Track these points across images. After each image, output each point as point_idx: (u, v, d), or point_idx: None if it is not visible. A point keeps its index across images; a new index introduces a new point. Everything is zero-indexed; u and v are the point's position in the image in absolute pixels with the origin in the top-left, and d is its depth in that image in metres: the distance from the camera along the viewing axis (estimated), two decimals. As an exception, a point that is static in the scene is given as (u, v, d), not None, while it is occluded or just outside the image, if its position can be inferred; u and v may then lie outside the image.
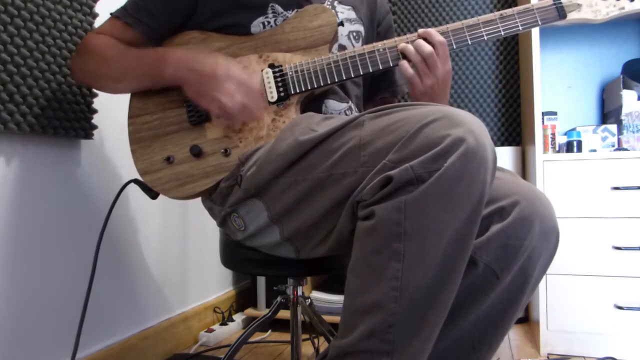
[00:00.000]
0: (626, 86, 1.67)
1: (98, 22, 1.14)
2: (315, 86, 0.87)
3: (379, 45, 0.86)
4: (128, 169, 1.20)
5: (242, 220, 0.85)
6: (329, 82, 0.87)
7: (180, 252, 1.61)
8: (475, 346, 0.75)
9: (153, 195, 0.92)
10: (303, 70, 0.87)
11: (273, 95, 0.87)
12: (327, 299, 1.70)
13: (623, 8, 0.85)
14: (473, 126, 0.62)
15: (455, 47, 0.85)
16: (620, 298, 1.46)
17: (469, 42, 0.86)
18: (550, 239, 0.75)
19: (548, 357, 1.49)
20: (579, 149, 1.62)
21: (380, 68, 0.86)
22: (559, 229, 0.77)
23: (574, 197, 1.50)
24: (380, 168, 0.63)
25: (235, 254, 0.97)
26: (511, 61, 2.01)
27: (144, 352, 1.36)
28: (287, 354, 1.52)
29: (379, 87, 1.11)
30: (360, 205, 0.65)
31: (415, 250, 0.61)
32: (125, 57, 0.90)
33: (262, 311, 1.77)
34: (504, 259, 0.72)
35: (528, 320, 1.81)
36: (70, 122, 1.09)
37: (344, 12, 0.97)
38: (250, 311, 1.79)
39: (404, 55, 0.85)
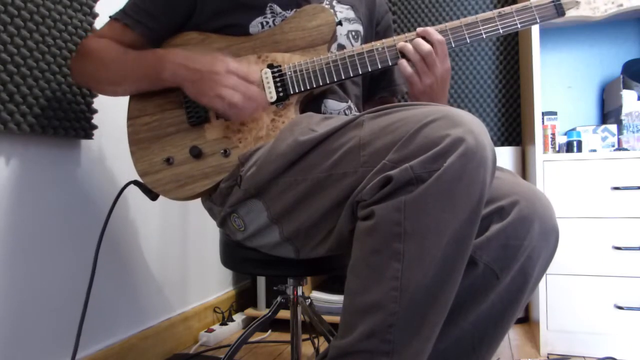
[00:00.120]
0: (626, 86, 1.67)
1: (98, 22, 1.14)
2: (315, 86, 0.87)
3: (377, 44, 0.86)
4: (128, 169, 1.20)
5: (242, 221, 0.85)
6: (328, 82, 0.87)
7: (180, 252, 1.61)
8: (475, 346, 0.75)
9: (153, 196, 0.92)
10: (302, 70, 0.87)
11: (272, 96, 0.87)
12: (327, 299, 1.70)
13: (621, 5, 0.85)
14: (473, 126, 0.62)
15: (454, 46, 0.85)
16: (620, 298, 1.46)
17: (468, 40, 0.86)
18: (550, 238, 0.75)
19: (548, 357, 1.49)
20: (579, 149, 1.62)
21: (379, 67, 0.86)
22: (559, 229, 0.77)
23: (574, 197, 1.50)
24: (380, 168, 0.63)
25: (235, 254, 0.97)
26: (511, 61, 2.00)
27: (144, 352, 1.36)
28: (287, 354, 1.52)
29: (378, 87, 1.11)
30: (360, 205, 0.65)
31: (415, 250, 0.61)
32: (123, 60, 0.90)
33: (262, 311, 1.77)
34: (503, 259, 0.72)
35: (528, 320, 1.81)
36: (70, 122, 1.09)
37: (343, 11, 0.97)
38: (250, 311, 1.79)
39: (403, 54, 0.85)
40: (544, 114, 1.66)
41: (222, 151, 0.87)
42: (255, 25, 0.91)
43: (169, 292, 1.53)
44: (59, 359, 1.09)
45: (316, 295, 1.72)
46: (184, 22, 0.93)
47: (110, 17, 0.94)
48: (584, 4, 0.86)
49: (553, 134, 1.69)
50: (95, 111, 1.16)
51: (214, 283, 1.81)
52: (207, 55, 0.85)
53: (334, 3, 0.97)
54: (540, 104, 1.55)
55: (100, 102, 1.17)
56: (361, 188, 0.65)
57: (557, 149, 1.70)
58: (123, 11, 0.93)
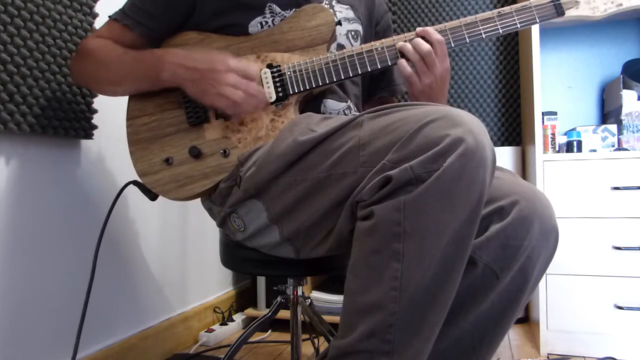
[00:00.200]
0: (626, 86, 1.67)
1: (98, 22, 1.14)
2: (314, 86, 0.87)
3: (377, 44, 0.86)
4: (128, 170, 1.20)
5: (242, 221, 0.85)
6: (327, 82, 0.87)
7: (180, 253, 1.61)
8: (475, 346, 0.75)
9: (152, 196, 0.92)
10: (301, 70, 0.87)
11: (272, 96, 0.87)
12: (327, 299, 1.70)
13: (621, 4, 0.85)
14: (472, 126, 0.62)
15: (453, 46, 0.85)
16: (620, 298, 1.46)
17: (467, 40, 0.86)
18: (549, 238, 0.75)
19: (548, 357, 1.49)
20: (579, 149, 1.62)
21: (379, 67, 0.86)
22: (559, 229, 0.77)
23: (574, 197, 1.50)
24: (379, 168, 0.63)
25: (235, 254, 0.97)
26: (511, 61, 2.00)
27: (144, 352, 1.36)
28: (287, 354, 1.52)
29: (377, 87, 1.11)
30: (360, 205, 0.65)
31: (414, 250, 0.61)
32: (123, 60, 0.90)
33: (262, 311, 1.77)
34: (503, 259, 0.72)
35: (528, 320, 1.81)
36: (70, 122, 1.09)
37: (342, 11, 0.97)
38: (250, 311, 1.79)
39: (402, 54, 0.85)
40: (544, 114, 1.66)
41: (221, 151, 0.87)
42: (254, 25, 0.91)
43: (168, 292, 1.53)
44: (59, 359, 1.09)
45: (316, 295, 1.72)
46: (183, 22, 0.93)
47: (109, 17, 0.94)
48: (584, 3, 0.86)
49: (553, 134, 1.69)
50: (95, 111, 1.16)
51: (214, 283, 1.81)
52: (206, 54, 0.85)
53: (334, 3, 0.97)
54: (540, 104, 1.55)
55: (100, 102, 1.17)
56: (361, 188, 0.65)
57: (557, 149, 1.70)
58: (122, 11, 0.93)
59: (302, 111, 0.89)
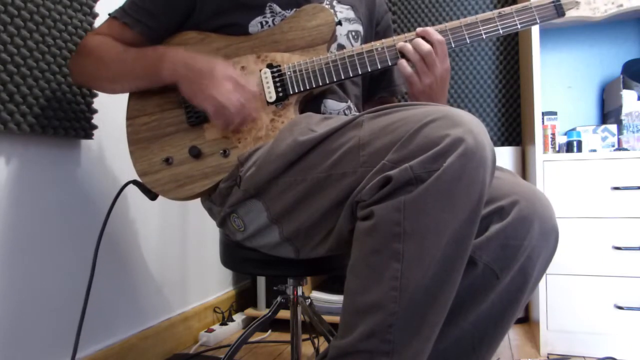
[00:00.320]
0: (626, 86, 1.67)
1: (98, 22, 1.14)
2: (314, 86, 0.87)
3: (377, 44, 0.86)
4: (128, 169, 1.20)
5: (242, 221, 0.85)
6: (327, 82, 0.87)
7: (180, 252, 1.61)
8: (475, 346, 0.75)
9: (152, 196, 0.92)
10: (301, 70, 0.87)
11: (271, 96, 0.87)
12: (327, 299, 1.70)
13: (621, 5, 0.85)
14: (472, 126, 0.62)
15: (454, 46, 0.85)
16: (620, 298, 1.46)
17: (468, 40, 0.85)
18: (549, 238, 0.75)
19: (548, 357, 1.49)
20: (579, 149, 1.62)
21: (379, 67, 0.86)
22: (559, 229, 0.77)
23: (574, 197, 1.50)
24: (379, 168, 0.63)
25: (235, 254, 0.97)
26: (511, 61, 2.00)
27: (144, 352, 1.36)
28: (287, 354, 1.52)
29: (378, 87, 1.11)
30: (360, 205, 0.65)
31: (414, 250, 0.61)
32: (123, 57, 0.90)
33: (262, 311, 1.77)
34: (503, 259, 0.72)
35: (528, 320, 1.81)
36: (70, 122, 1.09)
37: (343, 11, 0.97)
38: (250, 311, 1.79)
39: (403, 54, 0.85)
40: (544, 114, 1.66)
41: (221, 151, 0.87)
42: (254, 25, 0.91)
43: (168, 292, 1.53)
44: (59, 359, 1.09)
45: (316, 295, 1.72)
46: (183, 21, 0.93)
47: (109, 15, 0.94)
48: (584, 4, 0.86)
49: (553, 134, 1.69)
50: (95, 111, 1.16)
51: (214, 283, 1.81)
52: (210, 59, 0.85)
53: (334, 3, 0.97)
54: (540, 104, 1.55)
55: (100, 102, 1.17)
56: (361, 188, 0.65)
57: (557, 149, 1.70)
58: (122, 9, 0.93)
59: (302, 111, 0.89)
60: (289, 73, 0.87)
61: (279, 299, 1.11)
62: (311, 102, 0.91)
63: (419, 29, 0.85)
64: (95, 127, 1.16)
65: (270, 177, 0.76)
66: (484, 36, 0.85)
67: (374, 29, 1.07)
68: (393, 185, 0.61)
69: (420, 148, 0.61)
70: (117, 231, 1.30)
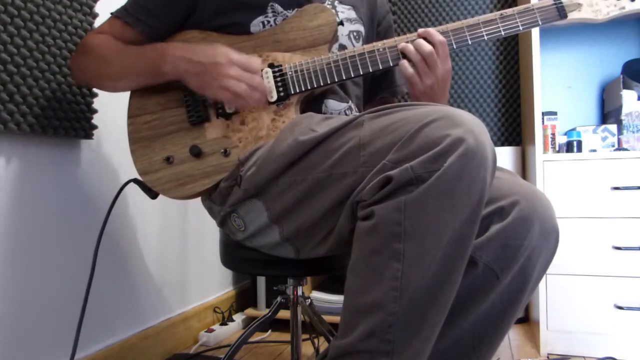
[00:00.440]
0: (626, 86, 1.67)
1: (98, 22, 1.14)
2: (315, 86, 0.87)
3: (379, 44, 0.86)
4: (128, 169, 1.20)
5: (242, 221, 0.85)
6: (328, 82, 0.87)
7: (180, 252, 1.61)
8: (475, 346, 0.75)
9: (153, 195, 0.92)
10: (303, 70, 0.87)
11: (273, 95, 0.87)
12: (327, 299, 1.70)
13: (624, 8, 0.85)
14: (473, 126, 0.62)
15: (455, 47, 0.85)
16: (620, 298, 1.46)
17: (469, 41, 0.85)
18: (550, 239, 0.75)
19: (548, 357, 1.49)
20: (579, 149, 1.62)
21: (380, 68, 0.86)
22: (559, 229, 0.77)
23: (574, 197, 1.50)
24: (380, 168, 0.63)
25: (235, 254, 0.97)
26: (511, 61, 2.00)
27: (144, 352, 1.36)
28: (287, 354, 1.52)
29: (379, 87, 1.11)
30: (360, 205, 0.65)
31: (415, 250, 0.61)
32: (124, 55, 0.90)
33: (262, 311, 1.77)
34: (503, 259, 0.72)
35: (528, 320, 1.81)
36: (70, 122, 1.09)
37: (344, 11, 0.97)
38: (250, 311, 1.79)
39: (404, 55, 0.85)
40: (544, 114, 1.66)
41: (222, 150, 0.87)
42: (256, 25, 0.91)
43: (168, 292, 1.53)
44: (59, 358, 1.09)
45: (316, 295, 1.72)
46: (184, 20, 0.93)
47: (111, 14, 0.94)
48: (586, 6, 0.85)
49: (553, 134, 1.69)
50: (95, 111, 1.16)
51: (214, 283, 1.81)
52: (208, 47, 0.85)
53: (336, 3, 0.97)
54: (540, 104, 1.55)
55: (100, 102, 1.17)
56: (361, 188, 0.65)
57: (557, 149, 1.70)
58: (124, 9, 0.93)
59: (303, 111, 0.89)
60: (290, 73, 0.87)
61: (279, 299, 1.10)
62: (312, 102, 0.91)
63: (420, 30, 0.85)
64: (95, 127, 1.16)
65: (270, 176, 0.76)
66: (485, 38, 0.85)
67: (375, 29, 1.07)
68: (393, 185, 0.61)
69: (421, 148, 0.61)
70: (117, 231, 1.30)
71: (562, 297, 1.50)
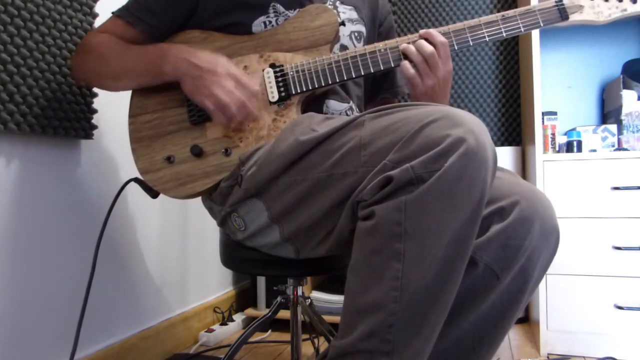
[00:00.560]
0: (626, 86, 1.68)
1: (98, 22, 1.14)
2: (317, 86, 0.87)
3: (380, 45, 0.86)
4: (128, 169, 1.20)
5: (242, 220, 0.85)
6: (330, 82, 0.87)
7: (180, 252, 1.61)
8: (475, 346, 0.75)
9: (153, 194, 0.92)
10: (304, 70, 0.87)
11: (274, 95, 0.87)
12: (327, 299, 1.70)
13: (625, 10, 0.85)
14: (473, 126, 0.62)
15: (456, 48, 0.85)
16: (620, 298, 1.46)
17: (471, 42, 0.86)
18: (550, 239, 0.75)
19: (548, 357, 1.49)
20: (579, 149, 1.62)
21: (382, 68, 0.86)
22: (559, 229, 0.77)
23: (574, 197, 1.50)
24: (380, 168, 0.63)
25: (235, 254, 0.97)
26: (511, 61, 2.01)
27: (144, 352, 1.36)
28: (287, 354, 1.52)
29: (380, 88, 1.11)
30: (361, 205, 0.65)
31: (415, 250, 0.61)
32: (125, 54, 0.90)
33: (262, 311, 1.77)
34: (504, 259, 0.72)
35: (528, 320, 1.81)
36: (70, 122, 1.09)
37: (346, 12, 0.97)
38: (250, 311, 1.79)
39: (406, 56, 0.85)
40: (544, 114, 1.66)
41: (223, 150, 0.87)
42: (258, 25, 0.91)
43: (168, 292, 1.53)
44: (59, 358, 1.09)
45: (316, 295, 1.72)
46: (185, 20, 0.93)
47: (112, 13, 0.94)
48: (588, 8, 0.85)
49: (553, 134, 1.69)
50: (95, 111, 1.16)
51: (214, 283, 1.81)
52: (212, 55, 0.85)
53: (337, 4, 0.97)
54: (540, 104, 1.55)
55: (101, 102, 1.17)
56: (362, 188, 0.65)
57: (557, 149, 1.70)
58: (125, 8, 0.93)
59: (304, 111, 0.89)
60: (291, 73, 0.87)
61: (279, 299, 1.10)
62: (313, 103, 0.91)
63: (422, 31, 0.85)
64: (95, 127, 1.16)
65: (271, 176, 0.76)
66: (487, 39, 0.85)
67: (376, 30, 1.07)
68: (394, 185, 0.61)
69: (422, 148, 0.61)
70: (117, 231, 1.30)
71: (562, 297, 1.50)
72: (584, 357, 1.49)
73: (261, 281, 1.78)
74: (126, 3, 0.93)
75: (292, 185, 0.75)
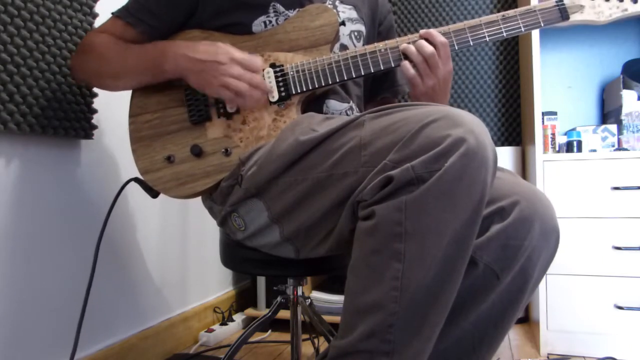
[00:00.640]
0: (626, 86, 1.68)
1: (98, 22, 1.14)
2: (317, 86, 0.87)
3: (380, 45, 0.86)
4: (128, 169, 1.20)
5: (243, 220, 0.85)
6: (330, 82, 0.87)
7: (180, 252, 1.61)
8: (475, 346, 0.75)
9: (154, 194, 0.92)
10: (304, 70, 0.87)
11: (274, 95, 0.87)
12: (327, 299, 1.70)
13: (626, 10, 0.85)
14: (474, 126, 0.62)
15: (457, 48, 0.85)
16: (620, 298, 1.46)
17: (471, 42, 0.85)
18: (550, 239, 0.75)
19: (548, 357, 1.49)
20: (579, 149, 1.62)
21: (382, 68, 0.86)
22: (559, 229, 0.77)
23: (574, 197, 1.50)
24: (380, 168, 0.63)
25: (235, 254, 0.97)
26: (511, 61, 2.01)
27: (144, 352, 1.36)
28: (287, 354, 1.52)
29: (380, 87, 1.11)
30: (361, 205, 0.65)
31: (415, 250, 0.61)
32: (125, 53, 0.90)
33: (262, 311, 1.77)
34: (504, 259, 0.72)
35: (528, 320, 1.81)
36: (70, 122, 1.09)
37: (346, 11, 0.97)
38: (250, 311, 1.79)
39: (406, 56, 0.85)
40: (544, 114, 1.66)
41: (223, 150, 0.87)
42: (258, 24, 0.91)
43: (168, 292, 1.53)
44: (59, 358, 1.08)
45: (316, 295, 1.72)
46: (185, 20, 0.93)
47: (112, 13, 0.94)
48: (588, 8, 0.85)
49: (553, 134, 1.69)
50: (95, 111, 1.16)
51: (214, 283, 1.81)
52: (210, 45, 0.85)
53: (337, 3, 0.97)
54: (540, 104, 1.55)
55: (101, 102, 1.17)
56: (362, 188, 0.65)
57: (557, 149, 1.70)
58: (125, 9, 0.93)
59: (304, 111, 0.89)
60: (291, 73, 0.87)
61: (279, 299, 1.10)
62: (313, 103, 0.91)
63: (422, 31, 0.85)
64: (95, 127, 1.16)
65: (271, 176, 0.76)
66: (487, 39, 0.85)
67: (376, 29, 1.07)
68: (394, 185, 0.61)
69: (422, 148, 0.61)
70: (117, 231, 1.30)
71: (562, 297, 1.50)
72: (584, 357, 1.49)
73: (261, 281, 1.78)
74: (126, 3, 0.93)
75: (292, 185, 0.75)
